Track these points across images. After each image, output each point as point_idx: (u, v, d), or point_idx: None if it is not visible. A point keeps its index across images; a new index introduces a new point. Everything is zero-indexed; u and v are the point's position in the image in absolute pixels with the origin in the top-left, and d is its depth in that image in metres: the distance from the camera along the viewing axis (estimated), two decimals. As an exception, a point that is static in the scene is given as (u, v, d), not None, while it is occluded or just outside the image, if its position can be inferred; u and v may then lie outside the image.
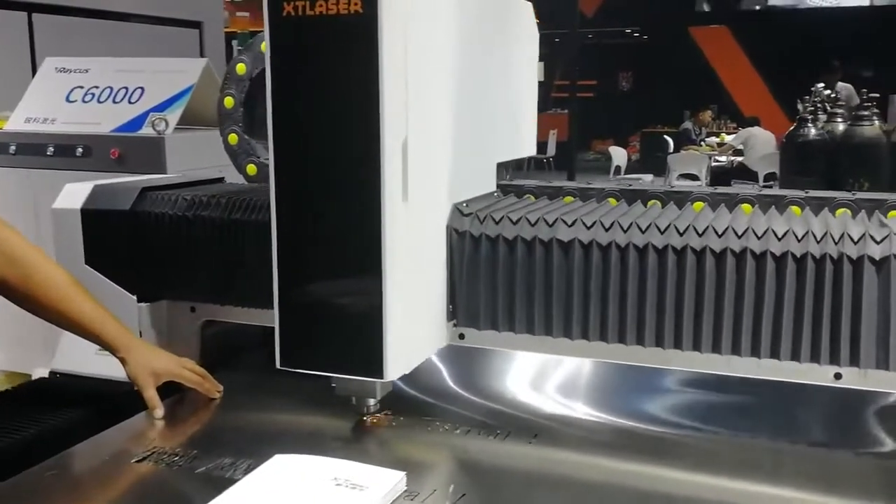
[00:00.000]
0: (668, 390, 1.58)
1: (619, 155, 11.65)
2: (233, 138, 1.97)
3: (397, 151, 1.24)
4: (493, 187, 1.68)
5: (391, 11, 1.19)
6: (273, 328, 1.78)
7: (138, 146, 3.21)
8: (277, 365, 1.36)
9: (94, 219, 1.63)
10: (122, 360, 1.47)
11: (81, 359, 1.64)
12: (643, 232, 1.37)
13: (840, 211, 1.47)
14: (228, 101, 1.97)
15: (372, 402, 1.46)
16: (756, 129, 10.17)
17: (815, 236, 1.27)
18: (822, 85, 4.99)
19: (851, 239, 1.24)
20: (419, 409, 1.54)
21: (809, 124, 3.92)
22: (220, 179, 1.87)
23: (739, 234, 1.32)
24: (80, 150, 3.28)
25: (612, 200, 1.64)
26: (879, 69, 10.79)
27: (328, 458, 1.23)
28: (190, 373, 1.52)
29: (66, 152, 3.31)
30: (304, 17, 1.24)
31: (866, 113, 3.85)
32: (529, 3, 1.84)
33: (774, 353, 1.30)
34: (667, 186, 1.66)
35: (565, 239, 1.40)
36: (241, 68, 1.98)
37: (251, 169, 1.94)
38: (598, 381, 1.63)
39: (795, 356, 1.29)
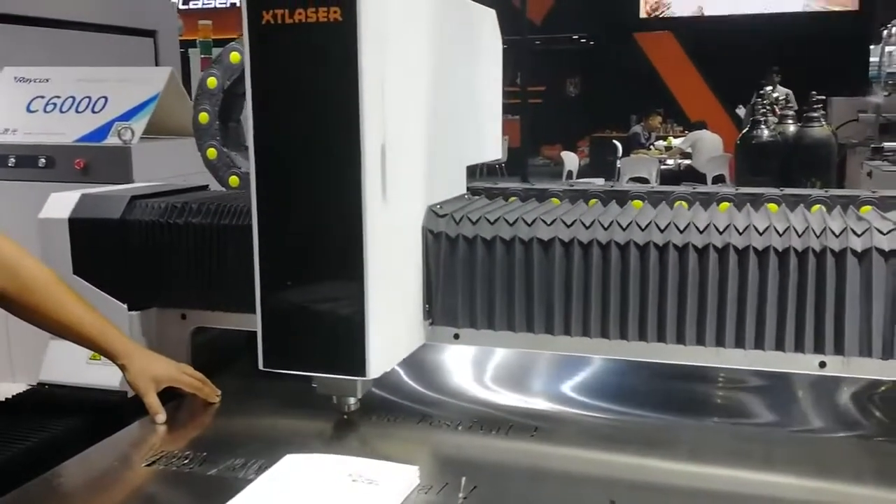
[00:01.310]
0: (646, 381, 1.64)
1: (570, 160, 11.81)
2: (212, 153, 1.98)
3: (377, 154, 1.28)
4: (464, 190, 1.73)
5: (369, 19, 1.23)
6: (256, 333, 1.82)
7: (104, 156, 3.17)
8: (260, 366, 1.38)
9: (83, 228, 1.63)
10: (123, 367, 1.47)
11: (70, 368, 1.63)
12: (624, 229, 1.42)
13: (815, 207, 1.54)
14: (203, 117, 1.98)
15: (353, 400, 1.49)
16: (703, 133, 10.41)
17: (796, 231, 1.33)
18: (770, 88, 5.13)
19: (833, 233, 1.31)
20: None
21: (762, 126, 4.04)
22: (205, 187, 1.88)
23: (721, 229, 1.38)
24: (42, 160, 3.23)
25: (591, 202, 1.70)
26: (816, 73, 11.09)
27: (340, 456, 1.26)
28: (189, 378, 1.53)
29: (28, 163, 3.26)
30: (284, 25, 1.26)
31: (815, 115, 3.98)
32: (493, 11, 1.89)
33: (759, 344, 1.36)
34: (647, 187, 1.71)
35: (545, 237, 1.44)
36: (211, 82, 1.99)
37: (233, 180, 1.96)
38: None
39: (780, 346, 1.34)
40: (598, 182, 10.27)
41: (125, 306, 1.63)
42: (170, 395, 1.53)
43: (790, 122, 4.21)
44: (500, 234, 1.46)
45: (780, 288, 1.33)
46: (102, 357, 1.60)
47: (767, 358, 1.36)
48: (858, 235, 1.29)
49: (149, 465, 1.31)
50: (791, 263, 1.32)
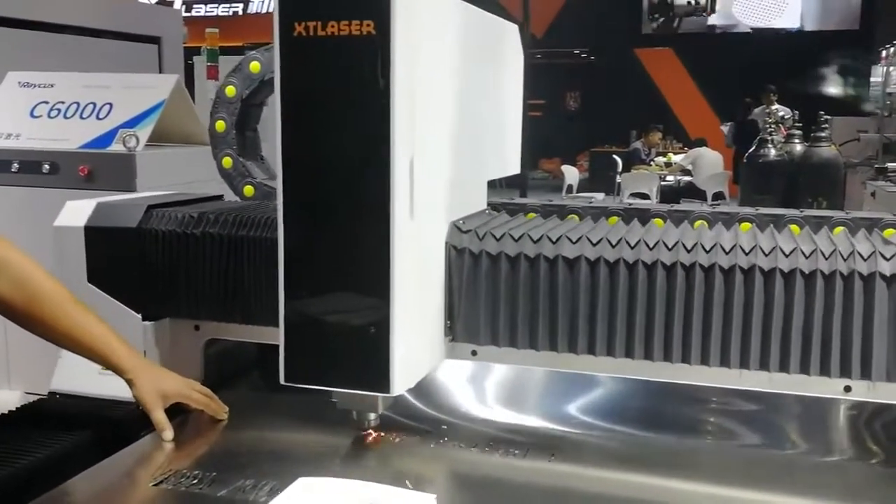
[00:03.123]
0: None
1: (570, 174, 11.81)
2: (227, 162, 1.97)
3: (406, 169, 1.26)
4: (485, 205, 1.71)
5: (403, 33, 1.21)
6: (270, 346, 1.80)
7: (108, 163, 3.17)
8: (282, 380, 1.36)
9: (99, 236, 1.61)
10: (130, 382, 1.45)
11: (82, 378, 1.61)
12: (651, 248, 1.41)
13: (838, 229, 1.53)
14: (220, 125, 1.97)
15: (373, 416, 1.47)
16: (704, 150, 10.44)
17: (823, 254, 1.32)
18: (776, 107, 5.14)
19: (861, 256, 1.29)
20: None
21: (769, 145, 4.04)
22: (220, 197, 1.86)
23: (747, 250, 1.36)
24: (46, 166, 3.22)
25: (612, 219, 1.68)
26: (817, 91, 11.16)
27: (354, 481, 1.23)
28: (198, 394, 1.51)
29: (31, 169, 3.25)
30: (315, 38, 1.25)
31: (823, 134, 3.99)
32: (515, 26, 1.88)
33: (784, 367, 1.34)
34: (668, 206, 1.70)
35: (571, 256, 1.43)
36: (230, 91, 1.98)
37: (248, 190, 1.95)
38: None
39: (805, 369, 1.33)
40: (599, 196, 10.30)
41: (139, 316, 1.61)
42: (177, 412, 1.51)
43: (797, 141, 4.21)
44: (524, 250, 1.44)
45: (805, 311, 1.32)
46: (114, 368, 1.58)
47: (792, 381, 1.34)
48: (887, 259, 1.28)
49: (156, 485, 1.28)
50: (818, 286, 1.31)
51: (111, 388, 1.59)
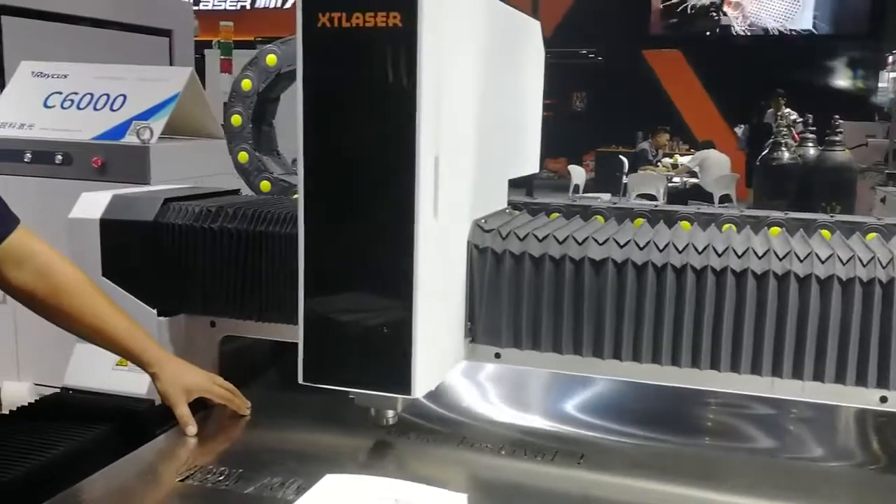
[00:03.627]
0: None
1: (577, 174, 11.77)
2: (243, 156, 1.94)
3: (430, 165, 1.23)
4: (505, 204, 1.68)
5: (430, 25, 1.18)
6: (286, 344, 1.77)
7: (121, 155, 3.14)
8: (300, 380, 1.33)
9: (114, 229, 1.58)
10: (154, 376, 1.43)
11: (96, 374, 1.58)
12: (681, 252, 1.38)
13: (871, 235, 1.50)
14: (236, 119, 1.95)
15: (391, 413, 1.44)
16: (712, 152, 10.40)
17: (861, 260, 1.29)
18: (788, 110, 5.10)
19: (899, 264, 1.26)
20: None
21: (783, 148, 4.01)
22: (237, 191, 1.83)
23: (781, 256, 1.33)
24: (59, 157, 3.19)
25: (637, 221, 1.65)
26: (825, 96, 11.11)
27: (382, 478, 1.21)
28: (221, 389, 1.48)
29: (44, 159, 3.22)
30: (340, 29, 1.22)
31: (837, 139, 3.96)
32: (538, 22, 1.85)
33: (818, 376, 1.31)
34: (695, 209, 1.67)
35: (597, 257, 1.40)
36: (246, 84, 1.95)
37: (265, 185, 1.92)
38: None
39: (840, 379, 1.30)
40: (605, 197, 10.25)
41: (154, 311, 1.58)
42: (196, 405, 1.48)
43: (810, 145, 4.18)
44: (549, 251, 1.41)
45: (842, 319, 1.29)
46: (129, 363, 1.55)
47: (826, 391, 1.31)
48: (924, 267, 1.25)
49: (182, 480, 1.26)
50: (856, 293, 1.28)
51: (125, 383, 1.57)
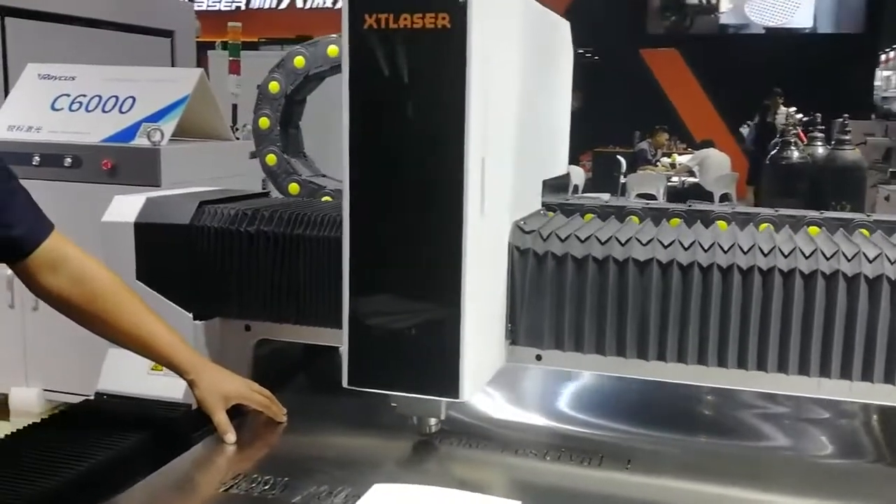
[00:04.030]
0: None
1: (577, 174, 11.74)
2: (271, 159, 1.93)
3: (478, 167, 1.23)
4: (539, 206, 1.67)
5: (479, 27, 1.17)
6: (317, 347, 1.76)
7: (132, 157, 3.12)
8: (345, 384, 1.32)
9: (150, 232, 1.56)
10: (192, 383, 1.41)
11: (131, 378, 1.57)
12: (725, 252, 1.37)
13: (908, 234, 1.49)
14: (264, 122, 1.94)
15: (434, 421, 1.43)
16: (711, 151, 10.41)
17: (908, 259, 1.28)
18: (794, 109, 5.11)
19: (949, 263, 1.26)
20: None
21: (792, 147, 4.01)
22: (266, 193, 1.81)
23: (828, 255, 1.32)
24: (68, 160, 3.17)
25: (674, 221, 1.64)
26: (822, 94, 11.12)
27: (432, 487, 1.19)
28: (259, 395, 1.46)
29: (53, 162, 3.20)
30: (387, 30, 1.21)
31: (847, 138, 3.96)
32: (567, 22, 1.84)
33: (867, 376, 1.30)
34: (730, 208, 1.66)
35: (642, 258, 1.39)
36: (273, 87, 1.95)
37: (293, 188, 1.91)
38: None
39: (890, 379, 1.29)
40: (605, 197, 10.25)
41: (190, 315, 1.56)
42: (230, 413, 1.46)
43: (819, 143, 4.18)
44: (592, 252, 1.40)
45: (892, 318, 1.28)
46: (164, 368, 1.54)
47: (874, 391, 1.30)
48: (978, 266, 1.24)
49: (226, 490, 1.24)
50: (905, 293, 1.27)
51: (159, 388, 1.55)
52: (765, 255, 1.34)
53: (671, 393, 1.60)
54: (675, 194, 10.19)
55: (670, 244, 1.39)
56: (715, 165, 10.09)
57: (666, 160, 11.50)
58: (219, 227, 1.54)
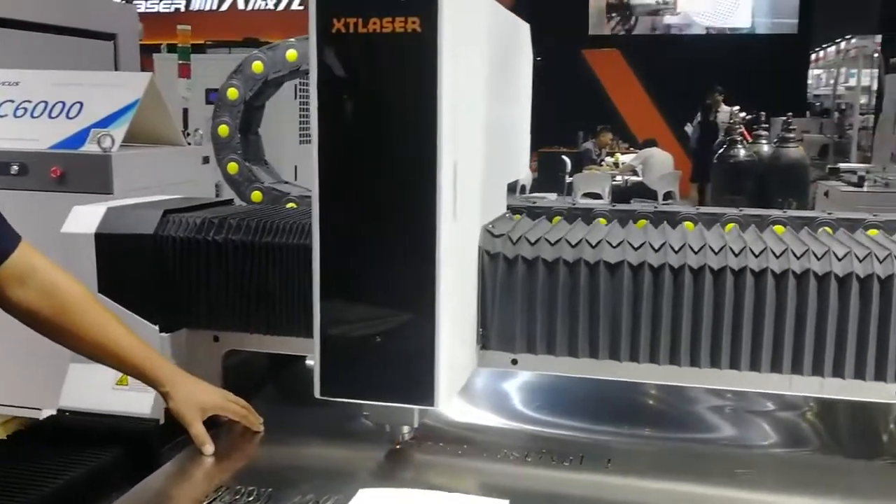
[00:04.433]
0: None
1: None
2: (232, 167, 1.90)
3: (451, 172, 1.22)
4: (505, 208, 1.68)
5: (450, 31, 1.17)
6: (284, 357, 1.74)
7: (82, 164, 3.02)
8: (317, 394, 1.30)
9: (111, 243, 1.52)
10: (166, 395, 1.38)
11: (95, 394, 1.52)
12: (696, 253, 1.38)
13: (873, 231, 1.53)
14: (223, 130, 1.90)
15: (407, 429, 1.42)
16: (655, 150, 10.56)
17: (877, 257, 1.31)
18: (737, 108, 5.21)
19: (912, 259, 1.29)
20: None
21: (739, 145, 4.09)
22: (230, 201, 1.78)
23: (798, 255, 1.35)
24: (15, 167, 3.05)
25: (640, 223, 1.66)
26: (759, 93, 11.36)
27: (417, 490, 1.18)
28: (235, 405, 1.44)
29: (-1, 170, 3.09)
30: (356, 34, 1.19)
31: (791, 136, 4.05)
32: (527, 24, 1.85)
33: (838, 372, 1.33)
34: (696, 209, 1.68)
35: (612, 260, 1.40)
36: (232, 93, 1.91)
37: (256, 196, 1.88)
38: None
39: (860, 374, 1.32)
40: (552, 197, 10.33)
41: (156, 328, 1.53)
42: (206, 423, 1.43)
43: (764, 142, 4.28)
44: (562, 255, 1.41)
45: (861, 316, 1.31)
46: (129, 381, 1.50)
47: (846, 387, 1.33)
48: (946, 263, 1.28)
49: (210, 503, 1.21)
50: (874, 290, 1.30)
51: (125, 403, 1.52)
52: (735, 256, 1.36)
53: (622, 387, 1.61)
54: (619, 193, 10.31)
55: (640, 246, 1.40)
56: (658, 164, 10.25)
57: (610, 160, 11.63)
58: (185, 236, 1.51)
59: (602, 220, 1.67)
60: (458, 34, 1.20)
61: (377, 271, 1.26)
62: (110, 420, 1.49)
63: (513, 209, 1.72)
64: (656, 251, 1.39)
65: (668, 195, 10.04)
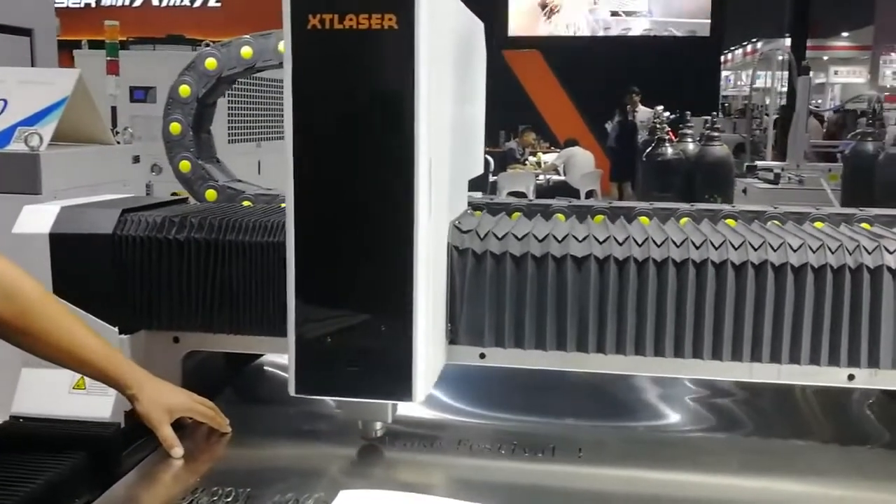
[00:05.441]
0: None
1: (446, 173, 11.88)
2: (185, 166, 1.86)
3: (427, 168, 1.23)
4: (466, 205, 1.70)
5: (426, 28, 1.18)
6: (241, 356, 1.72)
7: (9, 163, 2.91)
8: (292, 392, 1.29)
9: (68, 244, 1.47)
10: (133, 398, 1.34)
11: (50, 399, 1.47)
12: (659, 246, 1.42)
13: (819, 224, 1.60)
14: (175, 127, 1.86)
15: (379, 425, 1.43)
16: (577, 149, 10.75)
17: (829, 249, 1.37)
18: (661, 107, 5.36)
19: (866, 250, 1.35)
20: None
21: (666, 144, 4.21)
22: (185, 200, 1.74)
23: (756, 246, 1.40)
24: (-62, 167, 2.93)
25: (598, 218, 1.69)
26: (674, 94, 11.66)
27: (399, 493, 1.19)
28: (203, 407, 1.41)
29: (-80, 171, 2.94)
30: (332, 31, 1.19)
31: (716, 135, 4.18)
32: (482, 23, 1.87)
33: (794, 358, 1.39)
34: (649, 205, 1.73)
35: (579, 254, 1.43)
36: (184, 90, 1.88)
37: (210, 194, 1.85)
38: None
39: (815, 360, 1.38)
40: (477, 195, 10.42)
41: (115, 329, 1.48)
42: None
43: (689, 140, 4.40)
44: (530, 250, 1.43)
45: (815, 304, 1.37)
46: (87, 384, 1.46)
47: (801, 372, 1.39)
48: (891, 253, 1.35)
49: (190, 505, 1.19)
50: (827, 280, 1.36)
51: (83, 407, 1.47)
52: (697, 248, 1.41)
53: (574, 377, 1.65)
54: (542, 192, 10.46)
55: (605, 240, 1.43)
56: (580, 163, 10.44)
57: (533, 159, 11.78)
58: (146, 235, 1.47)
59: (561, 217, 1.69)
60: (433, 31, 1.20)
61: (353, 268, 1.26)
62: (68, 425, 1.44)
63: (473, 206, 1.74)
64: (620, 245, 1.43)
65: (590, 193, 10.24)
